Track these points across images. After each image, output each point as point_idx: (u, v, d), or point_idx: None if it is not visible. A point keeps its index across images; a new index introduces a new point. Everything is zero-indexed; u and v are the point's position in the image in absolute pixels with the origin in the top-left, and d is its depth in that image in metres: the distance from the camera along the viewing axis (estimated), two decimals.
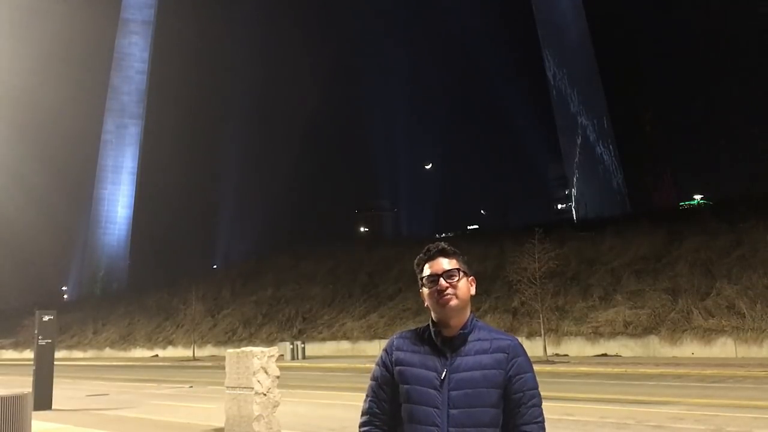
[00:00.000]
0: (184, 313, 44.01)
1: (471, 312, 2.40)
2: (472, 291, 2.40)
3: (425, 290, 2.38)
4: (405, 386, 2.31)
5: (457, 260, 2.39)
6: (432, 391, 2.26)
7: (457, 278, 2.33)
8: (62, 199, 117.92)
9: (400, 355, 2.36)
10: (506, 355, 2.30)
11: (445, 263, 2.36)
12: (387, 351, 2.42)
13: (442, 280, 2.32)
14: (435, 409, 2.24)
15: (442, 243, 2.44)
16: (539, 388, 2.36)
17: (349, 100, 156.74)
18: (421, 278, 2.40)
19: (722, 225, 28.88)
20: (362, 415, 2.44)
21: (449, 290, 2.31)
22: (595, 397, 13.94)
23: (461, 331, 2.33)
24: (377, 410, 2.39)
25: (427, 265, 2.39)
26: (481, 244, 36.68)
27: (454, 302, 2.30)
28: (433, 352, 2.32)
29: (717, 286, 24.79)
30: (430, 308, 2.37)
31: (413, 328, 2.46)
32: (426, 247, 2.45)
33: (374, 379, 2.43)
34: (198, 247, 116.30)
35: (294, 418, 11.64)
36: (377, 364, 2.44)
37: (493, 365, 2.28)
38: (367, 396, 2.44)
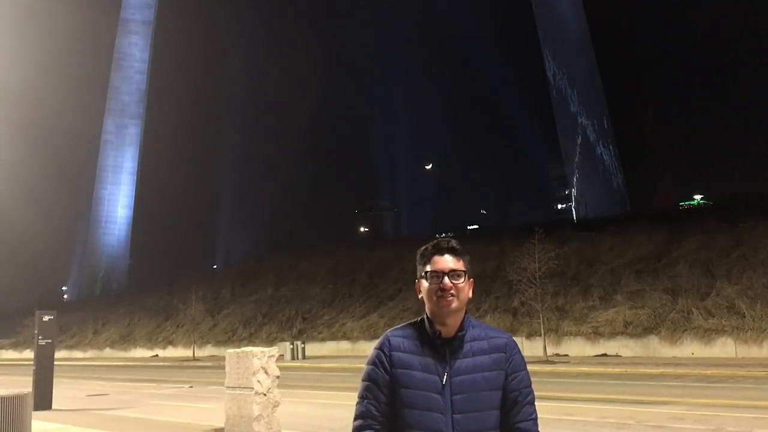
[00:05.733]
0: (184, 313, 43.99)
1: (466, 311, 2.33)
2: (470, 293, 2.33)
3: (424, 284, 2.28)
4: (406, 390, 2.20)
5: (464, 262, 2.31)
6: (435, 395, 2.18)
7: (462, 280, 2.26)
8: (62, 200, 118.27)
9: (399, 356, 2.24)
10: (504, 354, 2.27)
11: (452, 262, 2.27)
12: (383, 351, 2.27)
13: (446, 279, 2.23)
14: (440, 414, 2.17)
15: (454, 241, 2.34)
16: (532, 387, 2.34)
17: (349, 100, 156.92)
18: (425, 272, 2.28)
19: (722, 225, 28.87)
20: (357, 418, 2.27)
21: (452, 291, 2.23)
22: (595, 397, 13.92)
23: (459, 333, 2.25)
24: (376, 413, 2.23)
25: (433, 259, 2.29)
26: (481, 244, 36.63)
27: (454, 304, 2.23)
28: (432, 353, 2.23)
29: (717, 286, 24.77)
30: (426, 304, 2.28)
31: (402, 325, 2.36)
32: (436, 241, 2.35)
33: (369, 380, 2.26)
34: (198, 247, 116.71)
35: (294, 418, 11.63)
36: (372, 365, 2.28)
37: (492, 366, 2.23)
38: (362, 398, 2.27)
